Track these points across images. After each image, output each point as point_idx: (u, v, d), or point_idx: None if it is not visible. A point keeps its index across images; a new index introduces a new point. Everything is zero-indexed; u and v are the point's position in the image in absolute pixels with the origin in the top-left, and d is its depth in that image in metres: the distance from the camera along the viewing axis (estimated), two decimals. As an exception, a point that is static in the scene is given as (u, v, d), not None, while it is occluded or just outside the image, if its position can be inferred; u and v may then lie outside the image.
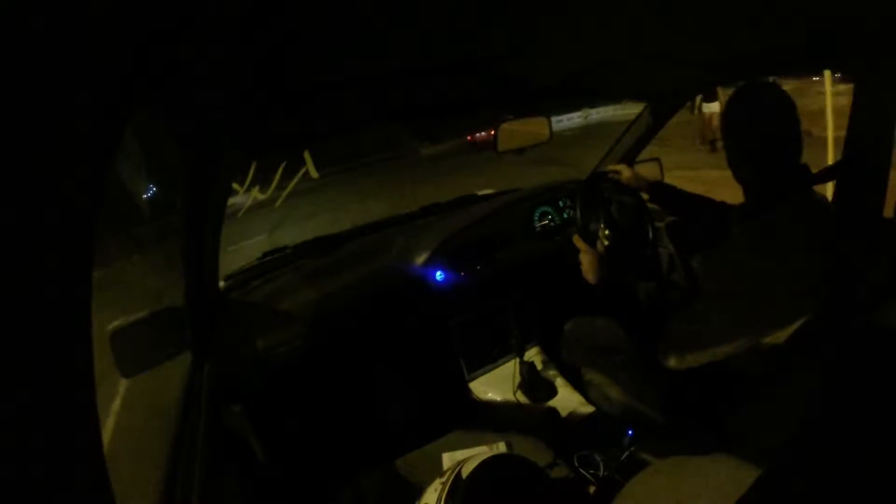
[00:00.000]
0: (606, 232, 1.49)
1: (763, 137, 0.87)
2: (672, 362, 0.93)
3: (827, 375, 0.79)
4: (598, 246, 1.47)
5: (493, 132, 1.46)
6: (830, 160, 3.15)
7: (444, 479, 0.71)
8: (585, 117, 15.15)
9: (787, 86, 1.19)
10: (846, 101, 1.03)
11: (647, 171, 1.76)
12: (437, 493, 0.69)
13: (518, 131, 1.51)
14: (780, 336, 0.87)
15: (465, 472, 0.69)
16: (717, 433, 0.94)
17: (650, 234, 1.52)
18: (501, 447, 1.13)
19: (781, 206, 0.86)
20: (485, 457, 0.72)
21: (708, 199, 1.35)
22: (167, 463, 0.72)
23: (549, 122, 1.58)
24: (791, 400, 0.84)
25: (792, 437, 0.47)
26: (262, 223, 7.34)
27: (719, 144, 5.72)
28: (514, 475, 0.73)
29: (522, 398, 1.50)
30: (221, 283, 1.27)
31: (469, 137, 14.83)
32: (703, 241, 1.01)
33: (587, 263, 1.19)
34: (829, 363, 0.79)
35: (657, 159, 1.80)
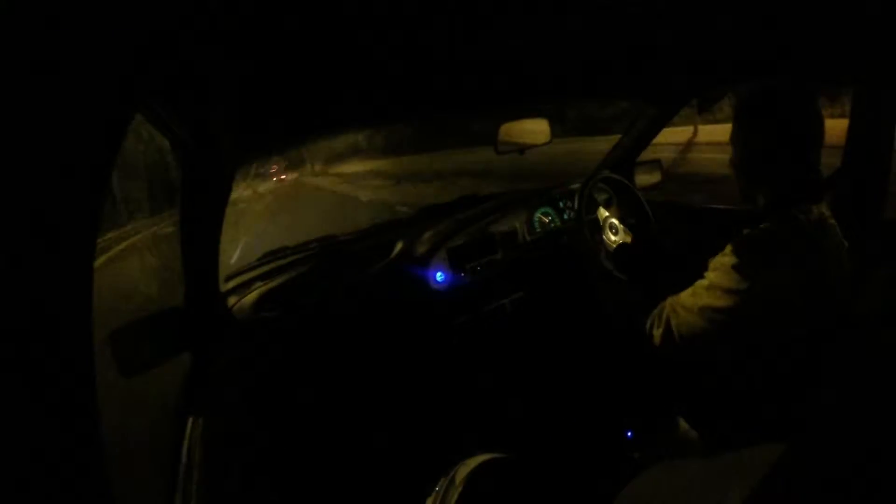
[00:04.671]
0: (611, 236, 1.50)
1: (797, 141, 0.85)
2: (658, 343, 0.93)
3: (828, 380, 0.79)
4: (600, 245, 1.47)
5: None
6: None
7: (438, 486, 0.70)
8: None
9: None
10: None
11: (647, 172, 1.77)
12: (433, 501, 0.68)
13: (518, 132, 1.51)
14: (781, 341, 0.86)
15: (459, 478, 0.69)
16: (717, 433, 0.94)
17: (652, 234, 1.53)
18: (498, 452, 1.12)
19: (791, 214, 0.85)
20: (479, 461, 0.71)
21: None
22: (167, 463, 0.72)
23: (549, 123, 1.58)
24: (793, 402, 0.84)
25: (793, 438, 0.47)
26: (262, 223, 7.32)
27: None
28: (510, 478, 0.73)
29: (523, 398, 1.50)
30: (221, 284, 1.27)
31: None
32: (706, 243, 1.00)
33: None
34: (830, 367, 0.79)
35: (658, 160, 1.80)
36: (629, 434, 1.18)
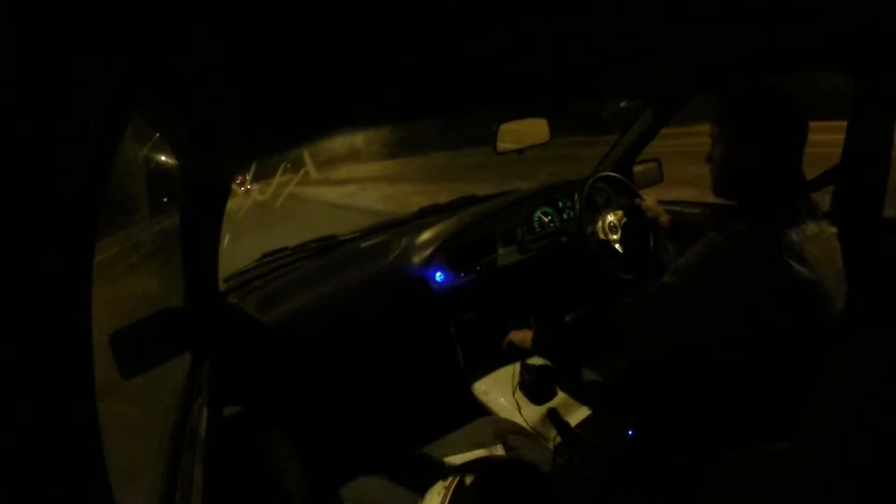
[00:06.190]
0: (611, 236, 1.50)
1: (783, 141, 0.84)
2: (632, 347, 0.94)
3: (827, 383, 0.78)
4: (597, 245, 1.47)
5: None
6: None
7: (447, 483, 0.71)
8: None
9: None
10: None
11: (646, 171, 1.77)
12: (441, 496, 0.69)
13: (517, 132, 1.51)
14: (763, 344, 0.85)
15: (469, 479, 0.70)
16: (716, 434, 0.94)
17: (652, 235, 1.53)
18: (499, 450, 1.12)
19: (768, 216, 0.83)
20: (488, 463, 0.73)
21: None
22: (167, 464, 0.72)
23: (548, 123, 1.58)
24: (791, 404, 0.84)
25: (793, 438, 0.47)
26: (262, 223, 7.29)
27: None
28: (518, 481, 0.74)
29: (522, 399, 1.50)
30: (221, 284, 1.27)
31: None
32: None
33: (520, 337, 1.23)
34: (828, 371, 0.79)
35: (657, 160, 1.80)
36: (630, 433, 1.18)
